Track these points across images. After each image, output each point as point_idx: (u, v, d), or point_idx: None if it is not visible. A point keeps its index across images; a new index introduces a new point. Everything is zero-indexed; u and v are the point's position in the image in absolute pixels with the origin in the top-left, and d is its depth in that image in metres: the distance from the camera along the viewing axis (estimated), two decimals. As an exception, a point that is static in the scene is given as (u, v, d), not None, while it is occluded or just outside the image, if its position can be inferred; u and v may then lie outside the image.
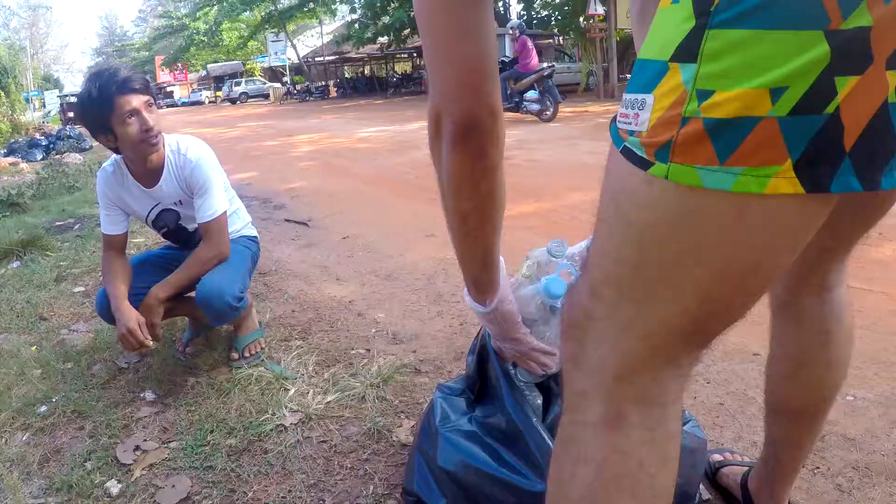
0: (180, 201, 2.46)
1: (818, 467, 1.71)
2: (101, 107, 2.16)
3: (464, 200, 1.08)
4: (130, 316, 2.21)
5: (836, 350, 1.21)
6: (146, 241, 4.65)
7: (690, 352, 0.80)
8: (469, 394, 1.67)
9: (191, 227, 2.56)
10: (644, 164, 0.69)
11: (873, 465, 1.70)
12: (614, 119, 0.77)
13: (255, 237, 2.78)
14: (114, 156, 2.44)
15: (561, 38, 26.03)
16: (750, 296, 0.76)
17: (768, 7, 0.60)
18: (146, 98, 2.22)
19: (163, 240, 2.79)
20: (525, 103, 11.60)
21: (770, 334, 1.31)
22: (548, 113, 11.32)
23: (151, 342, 2.27)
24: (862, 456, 1.74)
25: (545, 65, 11.87)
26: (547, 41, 24.44)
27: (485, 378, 1.64)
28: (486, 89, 0.97)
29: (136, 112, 2.19)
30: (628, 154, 0.72)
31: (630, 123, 0.71)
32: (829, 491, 1.62)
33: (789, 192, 0.63)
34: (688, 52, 0.65)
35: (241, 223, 2.72)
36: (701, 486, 1.60)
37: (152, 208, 2.48)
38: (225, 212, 2.41)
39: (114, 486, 1.86)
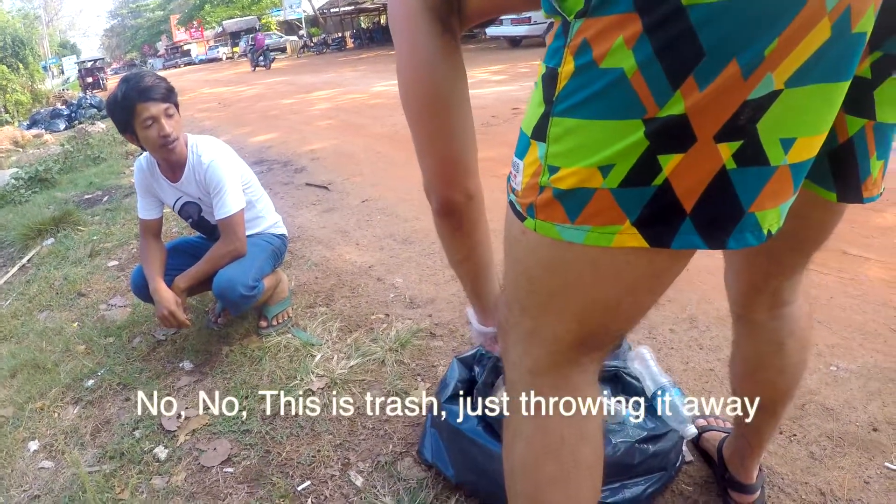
0: (200, 197, 2.60)
1: (794, 434, 1.79)
2: (124, 111, 2.33)
3: (454, 253, 1.30)
4: (169, 298, 2.41)
5: (788, 359, 1.30)
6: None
7: (588, 355, 0.95)
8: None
9: (213, 220, 2.69)
10: (521, 217, 0.86)
11: (847, 436, 1.77)
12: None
13: (282, 234, 2.86)
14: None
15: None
16: (623, 322, 0.93)
17: (595, 100, 0.73)
18: (165, 106, 2.36)
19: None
20: (260, 61, 26.16)
21: (732, 334, 1.41)
22: (268, 66, 26.12)
23: (189, 322, 2.46)
24: (838, 426, 1.81)
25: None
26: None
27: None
28: (460, 180, 1.13)
29: (154, 119, 2.34)
30: (511, 206, 0.89)
31: (512, 181, 0.87)
32: (802, 458, 1.71)
33: (635, 245, 0.77)
34: (540, 132, 0.80)
35: (267, 223, 2.81)
36: (685, 449, 1.72)
37: (177, 200, 2.64)
38: (241, 210, 2.51)
39: (161, 452, 2.06)
